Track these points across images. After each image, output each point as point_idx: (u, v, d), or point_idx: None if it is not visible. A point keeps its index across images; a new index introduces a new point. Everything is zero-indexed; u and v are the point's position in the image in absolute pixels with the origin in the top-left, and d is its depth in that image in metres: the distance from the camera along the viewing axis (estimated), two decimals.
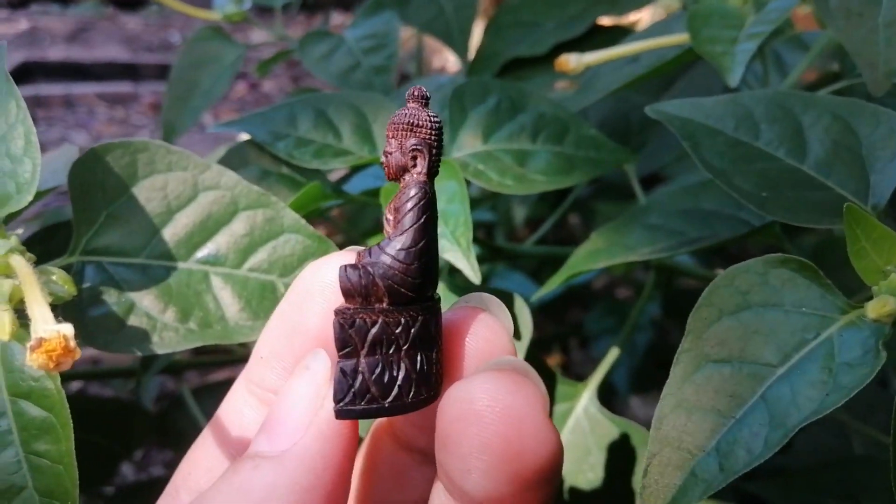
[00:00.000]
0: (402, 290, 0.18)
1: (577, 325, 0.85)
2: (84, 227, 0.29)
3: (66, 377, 0.54)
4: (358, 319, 0.18)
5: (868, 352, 0.22)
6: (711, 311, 0.24)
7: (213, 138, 1.39)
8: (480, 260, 0.51)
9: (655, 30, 0.43)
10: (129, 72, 1.63)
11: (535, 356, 0.37)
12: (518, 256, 0.50)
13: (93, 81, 1.59)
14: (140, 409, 0.59)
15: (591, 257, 0.36)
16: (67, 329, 0.20)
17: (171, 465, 0.71)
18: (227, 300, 0.29)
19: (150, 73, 1.63)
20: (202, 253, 0.30)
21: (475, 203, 0.67)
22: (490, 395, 0.17)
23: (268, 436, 0.19)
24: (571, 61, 0.40)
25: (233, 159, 0.36)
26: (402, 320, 0.18)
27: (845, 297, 0.25)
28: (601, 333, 0.81)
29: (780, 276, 0.24)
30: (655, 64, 0.40)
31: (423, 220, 0.18)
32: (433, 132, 0.19)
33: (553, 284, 0.37)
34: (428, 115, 0.19)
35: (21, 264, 0.24)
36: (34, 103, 1.48)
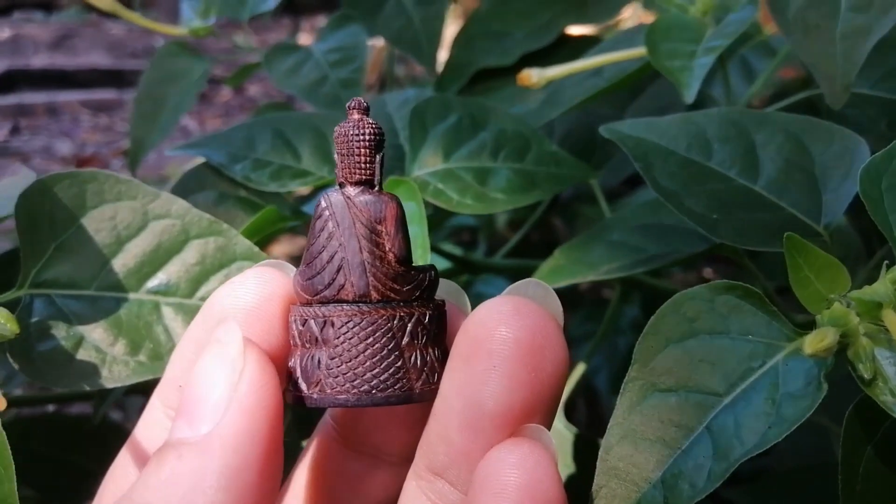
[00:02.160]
0: (298, 290, 0.20)
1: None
2: (32, 260, 0.29)
3: (41, 400, 0.54)
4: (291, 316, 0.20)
5: (810, 383, 0.22)
6: (658, 340, 0.24)
7: None
8: (453, 273, 0.51)
9: (619, 42, 0.43)
10: (113, 78, 1.62)
11: None
12: (489, 269, 0.50)
13: (77, 89, 1.58)
14: (117, 428, 0.59)
15: (553, 274, 0.36)
16: None
17: None
18: (179, 331, 0.29)
19: (134, 79, 1.62)
20: (153, 283, 0.29)
21: None
22: (517, 302, 0.19)
23: (187, 420, 0.18)
24: (533, 76, 0.40)
25: (190, 183, 0.36)
26: (301, 319, 0.20)
27: (797, 319, 0.25)
28: (583, 337, 0.81)
29: (726, 302, 0.24)
30: (617, 77, 0.40)
31: (314, 226, 0.20)
32: (338, 139, 0.20)
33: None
34: (343, 125, 0.20)
35: None
36: (17, 112, 1.47)
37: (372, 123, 0.20)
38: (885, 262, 0.23)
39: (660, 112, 0.48)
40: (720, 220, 0.27)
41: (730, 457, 0.21)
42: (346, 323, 0.19)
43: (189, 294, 0.30)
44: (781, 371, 0.23)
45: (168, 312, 0.29)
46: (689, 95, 0.33)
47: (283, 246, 1.11)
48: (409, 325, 0.20)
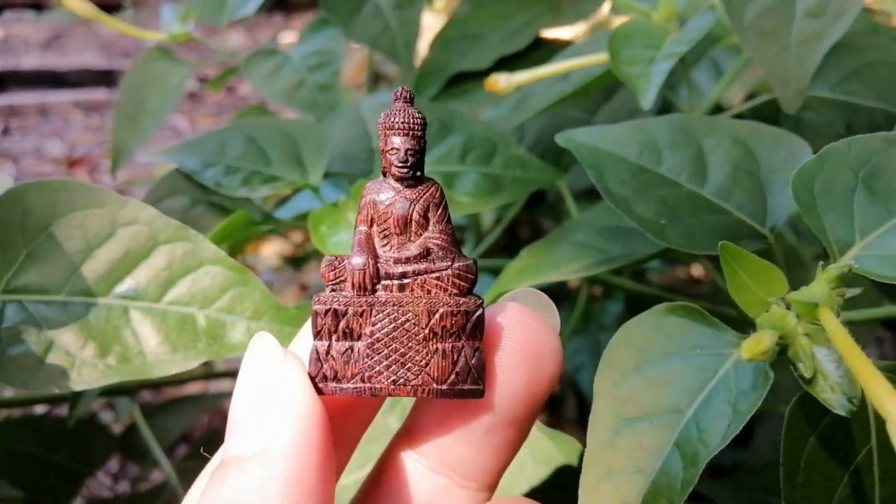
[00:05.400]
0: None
1: None
2: (4, 267, 0.30)
3: (28, 402, 0.55)
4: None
5: (759, 375, 0.23)
6: (614, 373, 0.24)
7: None
8: None
9: (587, 47, 0.43)
10: (104, 78, 1.62)
11: None
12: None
13: (68, 88, 1.59)
14: (103, 429, 0.60)
15: (520, 274, 0.37)
16: None
17: (134, 483, 0.71)
18: (146, 334, 0.30)
19: None
20: (122, 288, 0.30)
21: None
22: (521, 311, 0.21)
23: (240, 436, 0.19)
24: (501, 81, 0.40)
25: (162, 189, 0.36)
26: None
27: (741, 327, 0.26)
28: (568, 333, 0.82)
29: (672, 323, 0.24)
30: (583, 82, 0.40)
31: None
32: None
33: (487, 301, 0.38)
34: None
35: None
36: (8, 113, 1.48)
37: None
38: (821, 262, 0.24)
39: (629, 115, 0.49)
40: (668, 224, 0.28)
41: (697, 462, 0.22)
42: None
43: (157, 298, 0.30)
44: (733, 375, 0.23)
45: (136, 316, 0.30)
46: (646, 102, 0.34)
47: (273, 245, 1.12)
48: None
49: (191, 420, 0.67)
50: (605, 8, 0.76)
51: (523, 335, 0.20)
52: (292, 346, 0.21)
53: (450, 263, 0.20)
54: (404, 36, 0.55)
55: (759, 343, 0.23)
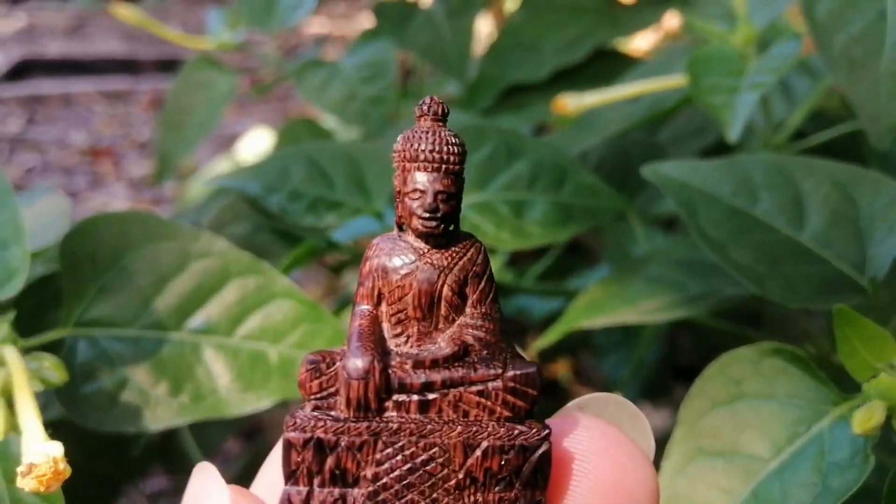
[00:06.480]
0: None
1: (586, 336, 0.85)
2: (75, 300, 0.29)
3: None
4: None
5: (857, 454, 0.22)
6: (704, 402, 0.24)
7: (218, 138, 1.38)
8: None
9: (657, 67, 0.42)
10: (127, 66, 1.62)
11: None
12: (517, 290, 0.50)
13: (92, 76, 1.58)
14: (141, 437, 0.59)
15: (589, 310, 0.36)
16: (57, 451, 0.19)
17: (164, 494, 0.71)
18: (219, 370, 0.29)
19: (149, 67, 1.62)
20: (194, 322, 0.29)
21: None
22: (602, 438, 0.15)
23: None
24: (570, 104, 0.39)
25: (226, 214, 0.36)
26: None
27: (846, 383, 0.25)
28: (610, 346, 0.81)
29: (773, 365, 0.24)
30: (658, 107, 0.39)
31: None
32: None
33: (552, 337, 0.37)
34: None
35: (13, 359, 0.24)
36: (33, 101, 1.48)
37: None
38: None
39: (692, 135, 0.48)
40: (767, 273, 0.27)
41: None
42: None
43: (229, 333, 0.30)
44: (827, 438, 0.23)
45: (209, 352, 0.29)
46: (733, 134, 0.32)
47: None
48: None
49: (229, 430, 0.66)
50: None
51: (605, 474, 0.14)
52: (256, 484, 0.16)
53: (500, 370, 0.14)
54: (457, 46, 0.54)
55: (871, 417, 0.22)
